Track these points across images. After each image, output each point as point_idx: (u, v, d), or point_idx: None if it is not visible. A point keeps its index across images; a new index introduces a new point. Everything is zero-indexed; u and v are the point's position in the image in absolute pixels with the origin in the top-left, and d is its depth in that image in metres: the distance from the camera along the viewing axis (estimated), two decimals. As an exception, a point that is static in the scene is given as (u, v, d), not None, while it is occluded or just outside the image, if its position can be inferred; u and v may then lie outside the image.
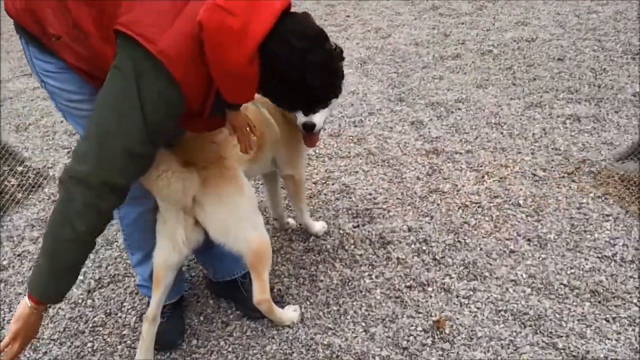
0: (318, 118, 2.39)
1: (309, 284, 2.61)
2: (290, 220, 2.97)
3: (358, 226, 2.95)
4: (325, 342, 2.30)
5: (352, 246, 2.81)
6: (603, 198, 2.94)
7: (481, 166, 3.34)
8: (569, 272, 2.52)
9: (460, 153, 3.49)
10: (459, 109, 4.02)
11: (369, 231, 2.90)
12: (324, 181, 3.36)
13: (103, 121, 1.64)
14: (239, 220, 2.15)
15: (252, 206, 2.21)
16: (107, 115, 1.64)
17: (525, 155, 3.39)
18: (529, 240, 2.73)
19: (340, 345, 2.28)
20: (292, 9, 1.72)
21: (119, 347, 2.41)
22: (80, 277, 2.79)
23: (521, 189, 3.09)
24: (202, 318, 2.51)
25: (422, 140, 3.68)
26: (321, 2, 6.96)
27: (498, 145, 3.52)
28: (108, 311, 2.60)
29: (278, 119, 2.47)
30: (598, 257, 2.58)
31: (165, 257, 2.16)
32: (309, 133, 2.43)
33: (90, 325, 2.53)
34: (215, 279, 2.55)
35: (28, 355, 2.40)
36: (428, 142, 3.66)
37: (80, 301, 2.67)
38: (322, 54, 1.68)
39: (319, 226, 2.90)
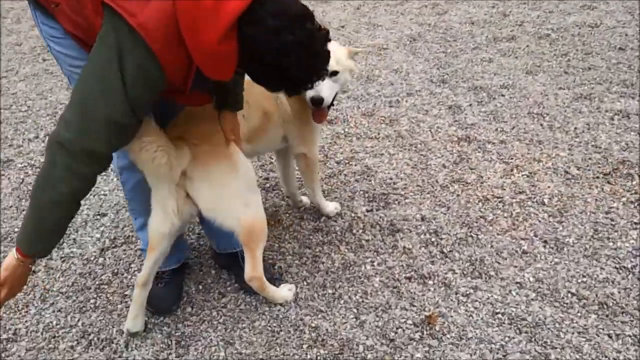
0: (326, 92, 2.34)
1: (310, 264, 2.60)
2: (304, 199, 2.95)
3: (371, 210, 2.90)
4: (313, 325, 2.29)
5: (361, 230, 2.77)
6: (636, 204, 2.75)
7: (512, 158, 3.19)
8: (580, 280, 2.38)
9: (493, 143, 3.34)
10: (502, 95, 3.84)
11: (380, 217, 2.84)
12: (347, 161, 3.31)
13: (87, 90, 1.68)
14: (229, 198, 2.15)
15: (247, 184, 2.20)
16: (91, 84, 1.67)
17: (561, 150, 3.20)
18: (545, 242, 2.60)
19: (327, 329, 2.27)
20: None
21: (119, 306, 2.49)
22: (97, 235, 2.91)
23: (549, 187, 2.93)
24: (200, 287, 2.56)
25: (456, 126, 3.55)
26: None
27: (535, 138, 3.34)
28: (116, 271, 2.69)
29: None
30: (615, 267, 2.43)
31: (157, 225, 2.19)
32: (317, 108, 2.37)
33: (97, 282, 2.63)
34: (219, 250, 2.58)
35: (36, 305, 2.53)
36: (462, 128, 3.52)
37: (92, 258, 2.77)
38: (299, 33, 1.63)
39: (331, 207, 2.87)
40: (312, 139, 2.62)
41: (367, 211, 2.90)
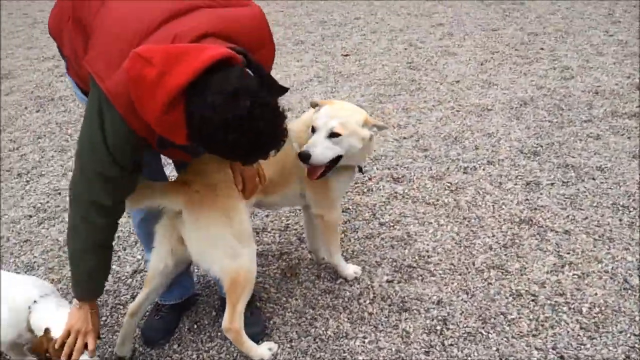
0: (317, 150, 2.25)
1: (304, 326, 2.54)
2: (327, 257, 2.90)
3: (392, 282, 2.76)
4: (275, 391, 2.24)
5: (369, 301, 2.65)
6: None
7: (569, 253, 2.84)
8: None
9: (556, 231, 3.00)
10: (593, 178, 3.44)
11: (396, 290, 2.70)
12: (391, 224, 3.19)
13: (81, 147, 1.84)
14: (216, 246, 2.19)
15: (239, 236, 2.22)
16: (83, 142, 1.82)
17: (631, 254, 2.78)
18: (561, 357, 2.27)
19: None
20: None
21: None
22: (138, 257, 3.11)
23: (596, 294, 2.56)
24: (195, 326, 2.62)
25: (523, 206, 3.25)
26: (525, 30, 6.44)
27: (607, 234, 2.94)
28: (136, 294, 2.85)
29: None
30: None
31: (154, 262, 2.31)
32: (306, 164, 2.29)
33: (116, 301, 2.82)
34: (221, 294, 2.63)
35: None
36: (530, 209, 3.21)
37: (123, 277, 2.98)
38: (238, 110, 1.61)
39: (351, 270, 2.79)
40: (329, 203, 2.56)
41: (387, 282, 2.76)
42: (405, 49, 6.19)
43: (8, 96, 5.56)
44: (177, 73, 1.57)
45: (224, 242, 2.19)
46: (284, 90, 1.80)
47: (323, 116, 2.30)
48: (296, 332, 2.52)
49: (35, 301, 2.09)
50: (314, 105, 2.44)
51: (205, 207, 2.16)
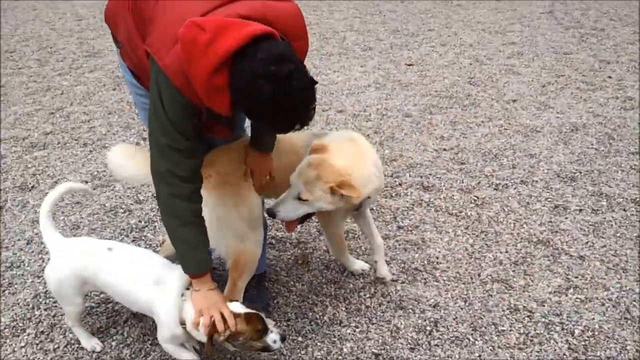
0: (283, 210, 2.29)
1: (303, 309, 2.71)
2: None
3: (396, 281, 2.88)
4: (262, 362, 2.42)
5: (368, 296, 2.79)
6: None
7: (577, 277, 2.85)
8: None
9: (571, 255, 3.02)
10: (624, 209, 3.42)
11: (397, 290, 2.82)
12: (408, 229, 3.31)
13: (150, 127, 2.06)
14: (224, 227, 2.38)
15: (248, 220, 2.40)
16: (151, 121, 2.04)
17: (642, 286, 2.76)
18: (540, 373, 2.32)
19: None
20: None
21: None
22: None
23: (593, 319, 2.58)
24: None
25: (545, 227, 3.27)
26: (598, 56, 6.30)
27: (622, 264, 2.94)
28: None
29: None
30: None
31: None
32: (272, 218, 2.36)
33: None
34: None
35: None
36: (551, 231, 3.23)
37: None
38: (279, 69, 1.74)
39: (357, 265, 2.92)
40: (330, 221, 2.64)
41: (392, 281, 2.88)
42: (470, 64, 6.22)
43: (91, 73, 6.08)
44: (227, 39, 1.75)
45: (233, 223, 2.38)
46: (313, 82, 1.94)
47: (297, 173, 2.29)
48: (295, 313, 2.70)
49: (187, 288, 2.17)
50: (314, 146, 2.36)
51: (214, 191, 2.34)
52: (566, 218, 3.34)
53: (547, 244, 3.11)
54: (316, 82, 1.87)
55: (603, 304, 2.68)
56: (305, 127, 1.92)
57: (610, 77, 5.66)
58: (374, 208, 3.49)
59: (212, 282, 2.15)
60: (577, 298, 2.72)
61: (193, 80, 1.83)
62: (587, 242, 3.12)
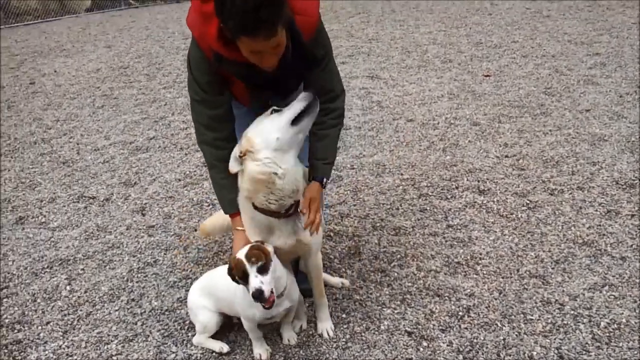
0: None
1: (351, 291, 3.05)
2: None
3: (438, 272, 3.14)
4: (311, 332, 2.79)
5: (411, 284, 3.07)
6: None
7: (615, 276, 2.97)
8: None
9: (613, 257, 3.13)
10: (679, 216, 3.44)
11: (438, 279, 3.08)
12: (458, 228, 3.55)
13: (187, 85, 2.52)
14: None
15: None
16: (188, 81, 2.49)
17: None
18: (560, 357, 2.50)
19: (321, 350, 2.74)
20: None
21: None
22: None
23: (622, 314, 2.71)
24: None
25: (594, 230, 3.39)
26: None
27: (664, 266, 3.01)
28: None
29: None
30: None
31: None
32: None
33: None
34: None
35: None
36: (597, 233, 3.35)
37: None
38: None
39: (335, 281, 3.11)
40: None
41: (434, 271, 3.15)
42: (550, 74, 6.27)
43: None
44: None
45: None
46: (316, 60, 2.35)
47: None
48: (342, 294, 3.04)
49: None
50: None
51: None
52: (615, 222, 3.43)
53: (591, 245, 3.24)
54: None
55: (635, 301, 2.79)
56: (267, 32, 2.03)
57: (695, 86, 5.52)
58: (428, 208, 3.76)
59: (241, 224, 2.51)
60: (610, 295, 2.85)
61: (192, 10, 2.25)
62: (632, 245, 3.21)
